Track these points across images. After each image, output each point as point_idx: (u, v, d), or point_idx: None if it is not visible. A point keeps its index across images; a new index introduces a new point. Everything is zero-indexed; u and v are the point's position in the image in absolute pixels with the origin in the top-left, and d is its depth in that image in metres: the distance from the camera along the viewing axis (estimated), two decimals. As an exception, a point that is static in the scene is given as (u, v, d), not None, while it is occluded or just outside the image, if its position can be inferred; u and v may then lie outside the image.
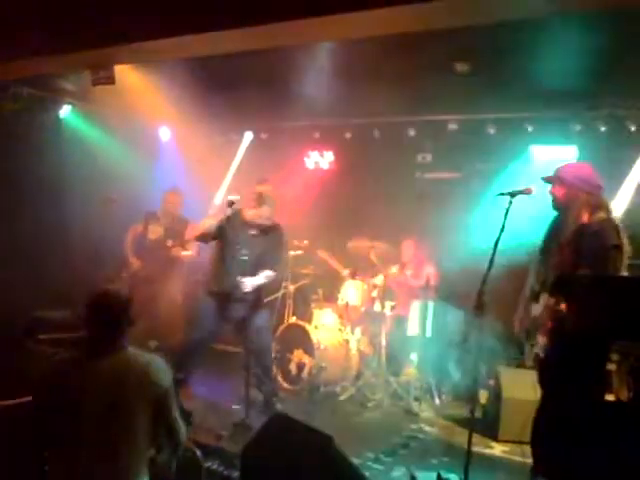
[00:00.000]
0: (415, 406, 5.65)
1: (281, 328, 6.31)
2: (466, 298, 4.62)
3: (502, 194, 3.73)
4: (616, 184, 5.62)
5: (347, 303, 6.31)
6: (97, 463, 2.61)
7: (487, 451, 4.80)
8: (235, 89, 6.22)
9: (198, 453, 3.53)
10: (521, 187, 3.72)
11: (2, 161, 6.40)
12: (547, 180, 3.90)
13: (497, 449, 4.85)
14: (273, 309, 6.78)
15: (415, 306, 6.17)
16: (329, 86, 5.80)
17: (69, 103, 7.16)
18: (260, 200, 5.07)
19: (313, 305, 6.56)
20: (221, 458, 4.09)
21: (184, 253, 6.40)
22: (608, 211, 3.71)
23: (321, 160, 7.67)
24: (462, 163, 6.72)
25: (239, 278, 4.88)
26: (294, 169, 7.64)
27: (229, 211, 4.76)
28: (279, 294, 6.80)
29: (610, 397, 4.19)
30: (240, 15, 3.71)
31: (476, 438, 4.25)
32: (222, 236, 5.03)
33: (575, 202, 3.73)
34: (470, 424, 3.71)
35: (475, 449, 3.96)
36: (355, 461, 3.80)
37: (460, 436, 4.89)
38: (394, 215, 6.50)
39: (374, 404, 5.77)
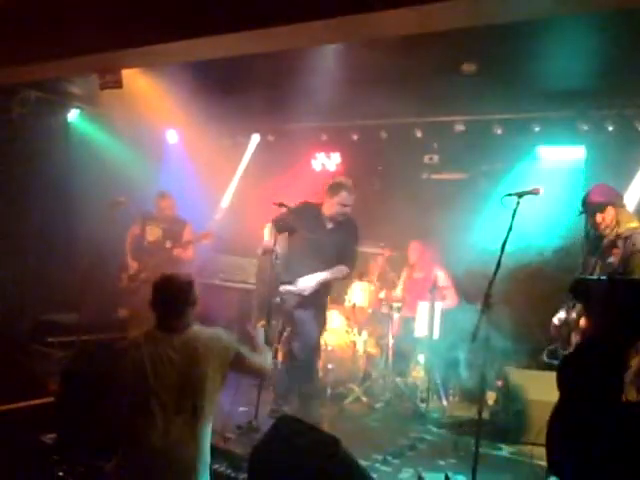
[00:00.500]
0: (422, 407, 5.64)
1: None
2: (474, 299, 4.62)
3: (509, 195, 3.72)
4: (624, 184, 5.58)
5: (354, 304, 6.31)
6: (174, 426, 2.91)
7: (495, 452, 4.78)
8: (242, 91, 6.24)
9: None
10: (528, 188, 3.71)
11: (10, 164, 6.45)
12: (594, 210, 4.00)
13: (505, 450, 4.83)
14: (280, 311, 6.79)
15: (422, 307, 6.16)
16: (336, 88, 5.80)
17: (77, 107, 7.20)
18: (338, 189, 5.00)
19: (320, 307, 6.54)
20: (228, 460, 4.09)
21: (185, 254, 6.38)
22: (635, 219, 3.88)
23: (328, 162, 7.67)
24: (469, 164, 6.70)
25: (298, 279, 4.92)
26: (301, 171, 7.64)
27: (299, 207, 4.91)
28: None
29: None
30: (247, 18, 3.72)
31: (484, 439, 4.23)
32: (294, 232, 5.01)
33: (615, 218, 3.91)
34: (478, 425, 3.70)
35: (483, 450, 3.95)
36: (363, 463, 3.79)
37: (468, 437, 4.88)
38: (401, 216, 6.49)
39: (381, 405, 5.76)
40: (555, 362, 4.00)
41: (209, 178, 7.56)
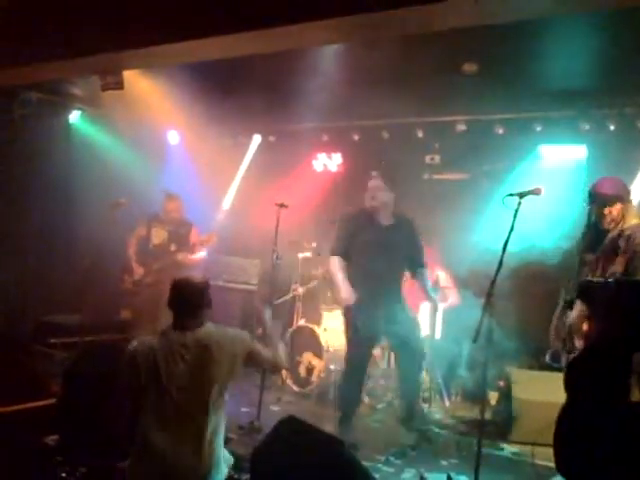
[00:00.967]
0: (425, 407, 5.63)
1: (290, 331, 6.31)
2: (476, 299, 4.61)
3: (511, 195, 3.71)
4: (626, 183, 5.58)
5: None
6: (185, 423, 3.01)
7: (497, 452, 4.78)
8: (243, 92, 6.24)
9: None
10: (530, 188, 3.71)
11: (12, 165, 6.45)
12: (602, 202, 3.91)
13: (507, 450, 4.83)
14: (283, 312, 6.80)
15: (424, 307, 6.16)
16: (337, 88, 5.80)
17: (78, 108, 7.20)
18: (369, 182, 5.01)
19: (322, 307, 6.54)
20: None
21: (193, 257, 6.37)
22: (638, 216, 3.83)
23: (329, 162, 7.67)
24: (471, 164, 6.70)
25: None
26: (302, 171, 7.65)
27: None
28: (288, 297, 6.80)
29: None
30: (248, 19, 3.72)
31: (486, 439, 4.23)
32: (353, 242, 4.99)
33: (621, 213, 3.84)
34: (480, 425, 3.70)
35: (485, 450, 3.94)
36: (365, 463, 3.79)
37: (470, 437, 4.87)
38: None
39: (383, 406, 5.76)
40: (556, 365, 3.99)
41: (210, 179, 7.56)
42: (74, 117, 7.21)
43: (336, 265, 5.01)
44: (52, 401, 4.25)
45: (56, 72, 5.12)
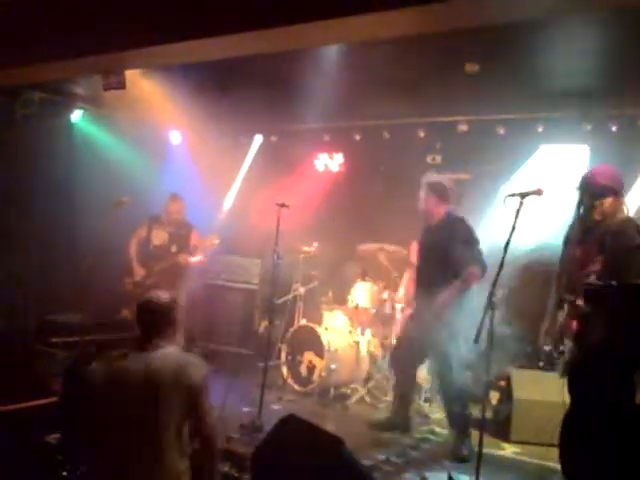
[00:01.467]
0: (426, 407, 5.64)
1: (291, 330, 6.32)
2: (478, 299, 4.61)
3: (512, 195, 3.71)
4: (627, 184, 5.58)
5: (357, 305, 6.31)
6: (134, 456, 2.81)
7: (498, 452, 4.79)
8: (245, 92, 6.24)
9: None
10: (532, 188, 3.70)
11: (14, 165, 6.46)
12: (594, 193, 3.80)
13: (508, 450, 4.83)
14: (284, 311, 6.81)
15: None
16: (338, 88, 5.80)
17: (80, 108, 7.21)
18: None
19: (323, 307, 6.56)
20: (232, 460, 4.09)
21: (193, 259, 6.38)
22: (628, 210, 3.75)
23: (331, 162, 7.68)
24: (472, 164, 6.70)
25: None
26: (304, 171, 7.66)
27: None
28: (289, 296, 6.81)
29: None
30: (249, 19, 3.72)
31: (487, 439, 4.23)
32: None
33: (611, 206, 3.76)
34: (481, 425, 3.70)
35: (486, 450, 3.94)
36: (366, 463, 3.80)
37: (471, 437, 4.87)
38: (404, 217, 6.48)
39: (385, 406, 5.76)
40: (549, 369, 3.97)
41: (212, 179, 7.57)
42: (76, 117, 7.21)
43: None
44: (53, 400, 4.26)
45: (58, 72, 5.11)
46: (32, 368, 4.94)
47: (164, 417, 2.84)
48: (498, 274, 3.57)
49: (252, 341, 7.03)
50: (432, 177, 5.19)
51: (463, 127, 6.49)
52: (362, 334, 6.27)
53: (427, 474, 4.14)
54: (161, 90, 6.27)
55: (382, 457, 4.49)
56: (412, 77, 5.50)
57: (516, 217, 3.60)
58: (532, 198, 3.65)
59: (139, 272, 6.27)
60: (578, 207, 3.89)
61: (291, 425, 3.38)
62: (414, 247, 6.47)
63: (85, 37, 4.42)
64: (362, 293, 6.40)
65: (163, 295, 3.11)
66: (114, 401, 2.92)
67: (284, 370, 6.16)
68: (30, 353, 5.70)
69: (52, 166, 6.78)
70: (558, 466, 3.33)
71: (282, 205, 5.19)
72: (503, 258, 3.58)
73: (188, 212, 6.57)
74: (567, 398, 3.38)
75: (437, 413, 5.60)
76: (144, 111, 6.75)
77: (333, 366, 5.83)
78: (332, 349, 5.92)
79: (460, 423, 4.74)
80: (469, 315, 4.32)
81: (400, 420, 5.12)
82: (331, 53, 5.36)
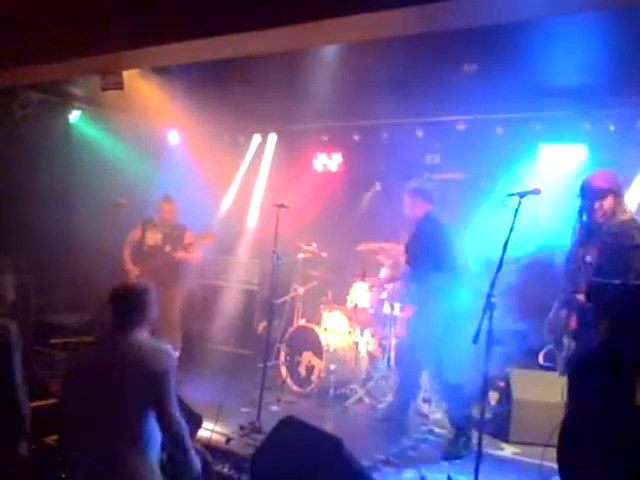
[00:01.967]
0: (425, 408, 5.63)
1: (290, 330, 6.32)
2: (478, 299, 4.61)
3: (511, 195, 3.71)
4: (626, 183, 5.58)
5: (356, 305, 6.30)
6: (100, 443, 2.79)
7: (497, 452, 4.78)
8: (244, 92, 6.24)
9: (208, 456, 3.54)
10: (530, 187, 3.70)
11: (12, 165, 6.46)
12: (593, 196, 3.88)
13: (507, 450, 4.83)
14: (283, 312, 6.81)
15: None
16: (337, 88, 5.80)
17: (79, 108, 7.21)
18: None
19: (322, 307, 6.56)
20: (231, 461, 4.10)
21: (188, 256, 6.37)
22: (630, 211, 3.80)
23: (329, 162, 7.68)
24: (471, 164, 6.69)
25: None
26: (302, 171, 7.65)
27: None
28: (288, 297, 6.81)
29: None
30: (249, 19, 3.72)
31: (486, 439, 4.24)
32: None
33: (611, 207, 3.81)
34: (480, 425, 3.70)
35: (485, 450, 3.95)
36: (365, 463, 3.80)
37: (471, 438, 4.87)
38: (403, 217, 6.48)
39: (384, 406, 5.76)
40: (548, 365, 3.98)
41: (211, 179, 7.56)
42: (74, 117, 7.22)
43: None
44: (52, 401, 4.26)
45: (56, 72, 5.11)
46: (30, 369, 4.93)
47: (128, 403, 2.81)
48: (496, 274, 3.57)
49: (251, 341, 7.02)
50: (415, 182, 5.42)
51: (461, 126, 6.49)
52: (361, 334, 6.26)
53: (426, 475, 4.14)
54: (159, 90, 6.28)
55: (381, 457, 4.49)
56: (410, 77, 5.50)
57: (514, 216, 3.60)
58: (530, 197, 3.66)
59: (134, 271, 6.27)
60: (580, 212, 3.95)
61: (290, 426, 3.38)
62: None
63: (83, 37, 4.41)
64: (361, 293, 6.40)
65: (136, 282, 3.19)
66: (79, 388, 2.92)
67: (283, 370, 6.15)
68: (28, 354, 5.69)
69: (50, 166, 6.78)
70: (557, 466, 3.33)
71: (281, 206, 5.19)
72: (502, 258, 3.58)
73: (186, 213, 6.57)
74: (567, 398, 3.38)
75: (437, 413, 5.60)
76: (142, 111, 6.75)
77: (332, 366, 5.83)
78: (331, 349, 5.92)
79: (461, 422, 4.75)
80: (465, 314, 4.36)
81: (395, 422, 5.14)
82: (330, 53, 5.37)
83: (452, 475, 4.00)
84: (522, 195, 3.65)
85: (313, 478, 3.05)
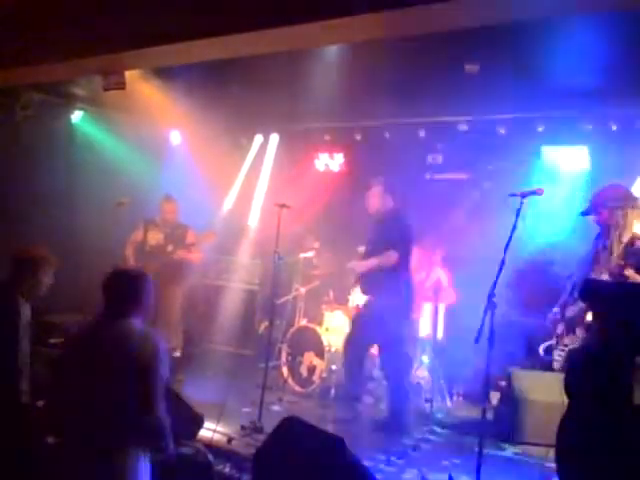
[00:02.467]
0: (426, 407, 5.63)
1: (292, 331, 6.32)
2: (478, 300, 4.61)
3: (513, 195, 3.72)
4: (628, 184, 5.57)
5: (358, 305, 6.30)
6: (90, 426, 2.72)
7: (499, 453, 4.78)
8: (245, 92, 6.24)
9: (209, 456, 3.54)
10: (532, 188, 3.71)
11: (14, 166, 6.46)
12: (586, 213, 4.08)
13: (509, 451, 4.83)
14: (284, 312, 6.81)
15: (426, 308, 6.17)
16: (339, 88, 5.80)
17: (81, 108, 7.21)
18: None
19: (324, 307, 6.55)
20: (232, 461, 4.10)
21: (190, 255, 6.37)
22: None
23: (331, 162, 7.68)
24: (473, 164, 6.70)
25: None
26: (304, 171, 7.65)
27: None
28: (290, 297, 6.81)
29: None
30: (249, 19, 3.72)
31: (488, 440, 4.23)
32: None
33: (621, 218, 3.84)
34: (481, 425, 3.70)
35: (487, 451, 3.94)
36: (366, 463, 3.79)
37: (471, 437, 4.87)
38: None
39: (385, 406, 5.75)
40: (548, 357, 4.03)
41: (213, 179, 7.56)
42: (76, 117, 7.22)
43: None
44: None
45: (58, 72, 5.12)
46: (31, 369, 4.93)
47: (113, 392, 2.73)
48: (498, 274, 3.57)
49: (252, 342, 7.03)
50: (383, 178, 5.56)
51: (463, 127, 6.48)
52: (363, 334, 6.25)
53: (428, 475, 4.13)
54: (161, 90, 6.28)
55: (383, 457, 4.49)
56: (412, 77, 5.50)
57: (517, 217, 3.60)
58: (533, 198, 3.67)
59: None
60: (602, 229, 4.04)
61: (292, 426, 3.38)
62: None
63: (85, 38, 4.42)
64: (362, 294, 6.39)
65: (129, 269, 3.08)
66: (68, 371, 2.90)
67: (284, 371, 6.15)
68: (29, 354, 5.69)
69: (52, 167, 6.78)
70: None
71: (283, 206, 5.19)
72: (504, 258, 3.58)
73: (188, 213, 6.57)
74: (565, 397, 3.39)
75: (438, 413, 5.60)
76: (144, 112, 6.75)
77: (334, 367, 5.83)
78: (333, 350, 5.92)
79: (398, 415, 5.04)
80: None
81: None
82: (331, 53, 5.37)
83: (453, 475, 3.99)
84: (524, 195, 3.66)
85: (314, 478, 3.04)
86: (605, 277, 3.79)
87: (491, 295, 3.57)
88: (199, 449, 3.53)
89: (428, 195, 6.73)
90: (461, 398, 5.99)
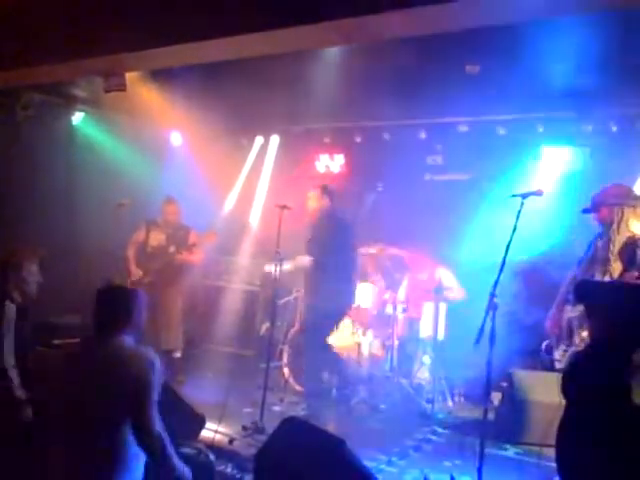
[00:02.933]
0: (428, 408, 5.63)
1: (292, 331, 6.31)
2: (479, 300, 4.62)
3: (513, 196, 3.72)
4: (628, 185, 5.58)
5: (359, 306, 6.31)
6: (84, 446, 2.70)
7: (500, 453, 4.78)
8: (246, 94, 6.25)
9: (211, 456, 3.55)
10: (532, 189, 3.72)
11: (14, 167, 6.46)
12: (587, 211, 4.12)
13: (510, 451, 4.83)
14: (285, 312, 6.80)
15: (427, 308, 6.17)
16: (339, 90, 5.81)
17: (81, 110, 7.22)
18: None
19: (324, 308, 6.54)
20: (234, 461, 4.10)
21: (192, 257, 6.37)
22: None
23: (331, 163, 7.68)
24: (473, 165, 6.69)
25: None
26: (305, 172, 7.65)
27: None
28: (291, 297, 6.81)
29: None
30: (250, 21, 3.72)
31: (489, 440, 4.23)
32: None
33: (621, 216, 3.85)
34: (483, 426, 3.70)
35: (488, 451, 3.95)
36: (368, 464, 3.79)
37: (473, 438, 4.87)
38: (404, 218, 6.49)
39: (387, 407, 5.76)
40: (549, 356, 4.04)
41: (213, 180, 7.57)
42: (77, 119, 7.22)
43: None
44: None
45: (59, 74, 5.12)
46: (32, 370, 4.94)
47: (105, 410, 2.72)
48: (499, 273, 3.58)
49: (254, 342, 7.02)
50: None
51: (464, 128, 6.49)
52: (364, 335, 6.26)
53: (429, 475, 4.13)
54: (162, 92, 6.28)
55: (384, 458, 4.49)
56: (413, 78, 5.51)
57: (517, 218, 3.61)
58: (533, 198, 3.67)
59: (136, 273, 6.27)
60: (601, 228, 4.07)
61: (293, 426, 3.39)
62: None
63: (86, 39, 4.43)
64: (363, 294, 6.40)
65: (120, 286, 3.12)
66: (59, 390, 2.89)
67: (286, 371, 6.15)
68: (29, 355, 5.70)
69: (53, 168, 6.78)
70: (560, 467, 3.33)
71: (283, 207, 5.19)
72: (504, 258, 3.59)
73: (189, 214, 6.58)
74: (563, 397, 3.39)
75: (439, 413, 5.60)
76: (145, 113, 6.76)
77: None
78: (334, 350, 5.91)
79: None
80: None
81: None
82: (332, 54, 5.38)
83: (455, 475, 3.99)
84: (524, 196, 3.67)
85: (316, 478, 3.05)
86: (605, 277, 3.79)
87: (492, 295, 3.58)
88: (201, 449, 3.53)
89: (428, 196, 6.74)
90: (462, 398, 5.99)
